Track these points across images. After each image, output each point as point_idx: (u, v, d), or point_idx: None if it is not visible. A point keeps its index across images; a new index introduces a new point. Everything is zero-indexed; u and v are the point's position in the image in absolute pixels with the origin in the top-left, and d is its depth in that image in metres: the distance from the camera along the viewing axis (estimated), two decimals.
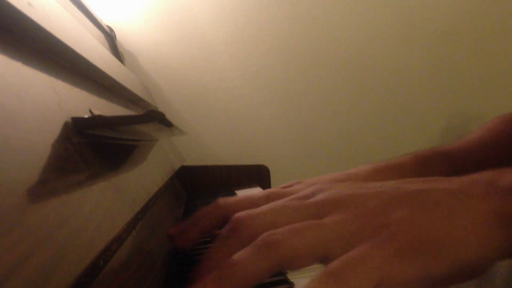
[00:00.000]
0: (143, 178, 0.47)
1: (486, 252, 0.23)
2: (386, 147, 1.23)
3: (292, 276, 0.36)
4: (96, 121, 0.32)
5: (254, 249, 0.23)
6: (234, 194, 0.85)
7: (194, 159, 1.17)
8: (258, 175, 0.96)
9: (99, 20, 0.86)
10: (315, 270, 0.21)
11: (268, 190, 0.38)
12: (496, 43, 1.24)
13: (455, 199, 0.24)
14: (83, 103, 0.35)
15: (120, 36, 1.12)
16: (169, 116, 0.32)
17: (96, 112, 0.35)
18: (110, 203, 0.31)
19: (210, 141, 1.21)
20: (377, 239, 0.22)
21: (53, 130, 0.26)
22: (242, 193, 0.83)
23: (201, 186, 0.96)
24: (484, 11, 1.22)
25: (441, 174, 0.40)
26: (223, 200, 0.37)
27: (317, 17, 1.20)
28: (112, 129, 0.33)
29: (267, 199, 0.36)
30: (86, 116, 0.31)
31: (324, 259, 0.23)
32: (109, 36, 0.96)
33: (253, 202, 0.36)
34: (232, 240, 0.26)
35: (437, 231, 0.23)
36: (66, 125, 0.29)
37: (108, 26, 0.99)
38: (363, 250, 0.22)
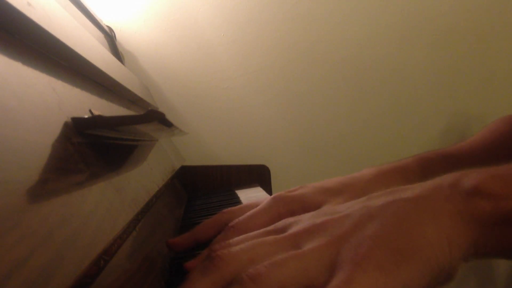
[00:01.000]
0: (143, 178, 0.47)
1: (456, 252, 0.24)
2: (386, 146, 1.23)
3: None
4: (96, 121, 0.32)
5: (239, 284, 0.23)
6: (234, 194, 0.85)
7: (194, 159, 1.17)
8: (258, 175, 0.96)
9: (99, 20, 0.86)
10: None
11: (272, 197, 0.40)
12: (496, 43, 1.24)
13: (420, 205, 0.25)
14: (83, 103, 0.35)
15: (120, 36, 1.12)
16: (169, 116, 0.32)
17: (96, 112, 0.35)
18: (110, 203, 0.31)
19: (210, 141, 1.21)
20: (356, 260, 0.23)
21: (53, 130, 0.26)
22: (243, 194, 0.83)
23: (201, 186, 0.96)
24: (484, 11, 1.22)
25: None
26: (227, 210, 0.38)
27: (317, 17, 1.20)
28: (112, 129, 0.33)
29: (275, 205, 0.38)
30: (86, 116, 0.31)
31: (310, 287, 0.24)
32: (109, 36, 0.96)
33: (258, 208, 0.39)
34: (213, 276, 0.25)
35: (409, 240, 0.23)
36: (66, 125, 0.28)
37: (108, 26, 0.99)
38: (346, 275, 0.22)
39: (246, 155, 1.21)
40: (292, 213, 0.36)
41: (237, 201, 0.74)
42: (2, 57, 0.24)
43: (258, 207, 0.38)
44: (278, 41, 1.20)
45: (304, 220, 0.29)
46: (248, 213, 0.38)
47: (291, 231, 0.28)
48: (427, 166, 0.42)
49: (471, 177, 0.26)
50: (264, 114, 1.22)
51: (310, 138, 1.23)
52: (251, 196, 0.76)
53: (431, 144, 1.23)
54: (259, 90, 1.21)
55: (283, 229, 0.29)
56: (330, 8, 1.20)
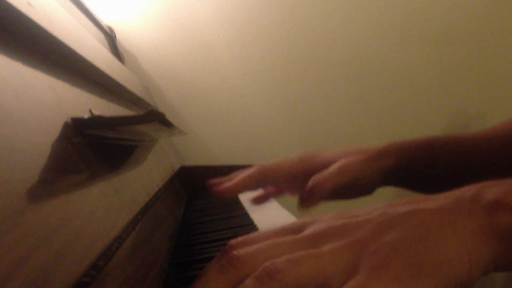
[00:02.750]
0: (143, 179, 0.47)
1: (476, 267, 0.24)
2: None
3: None
4: (96, 121, 0.32)
5: (254, 280, 0.24)
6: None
7: (194, 159, 1.17)
8: None
9: (99, 20, 0.86)
10: None
11: (299, 154, 0.46)
12: (496, 43, 1.24)
13: (443, 218, 0.25)
14: (83, 103, 0.35)
15: (120, 36, 1.12)
16: (169, 116, 0.32)
17: (96, 112, 0.35)
18: (110, 203, 0.31)
19: (210, 141, 1.21)
20: (373, 266, 0.23)
21: (53, 131, 0.26)
22: (242, 194, 0.83)
23: (201, 186, 0.96)
24: (484, 11, 1.22)
25: (448, 159, 0.42)
26: (260, 164, 0.43)
27: (318, 17, 1.20)
28: (112, 129, 0.33)
29: (301, 160, 0.45)
30: (86, 116, 0.31)
31: (324, 287, 0.24)
32: (109, 36, 0.96)
33: (288, 162, 0.45)
34: (229, 275, 0.26)
35: (430, 252, 0.23)
36: (66, 125, 0.28)
37: (108, 26, 0.99)
38: (362, 280, 0.22)
39: (246, 155, 1.21)
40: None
41: (237, 201, 0.74)
42: (2, 57, 0.24)
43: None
44: (278, 41, 1.20)
45: (323, 221, 0.29)
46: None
47: (309, 231, 0.28)
48: (439, 146, 0.44)
49: (492, 190, 0.26)
50: (264, 114, 1.22)
51: (310, 138, 1.23)
52: (251, 196, 0.76)
53: None
54: (259, 90, 1.21)
55: (300, 229, 0.29)
56: (330, 8, 1.20)
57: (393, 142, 0.45)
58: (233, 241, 0.29)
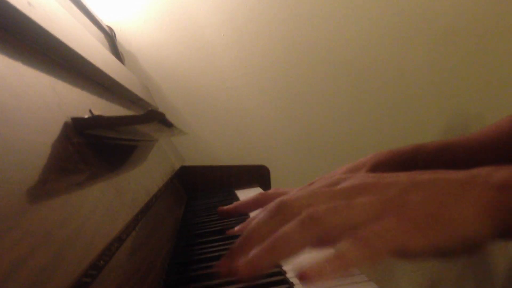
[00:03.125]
0: (143, 179, 0.47)
1: (480, 231, 0.29)
2: (386, 146, 1.23)
3: (291, 276, 0.36)
4: (96, 121, 0.32)
5: (299, 222, 0.29)
6: (234, 194, 0.85)
7: (194, 159, 1.17)
8: (258, 175, 0.96)
9: (99, 20, 0.86)
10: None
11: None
12: (496, 43, 1.24)
13: (460, 188, 0.30)
14: (83, 103, 0.35)
15: (120, 36, 1.12)
16: (169, 116, 0.32)
17: (96, 112, 0.35)
18: (110, 203, 0.31)
19: (210, 141, 1.21)
20: (398, 215, 0.28)
21: (53, 130, 0.26)
22: (242, 194, 0.83)
23: (201, 186, 0.96)
24: (484, 11, 1.22)
25: (440, 165, 0.44)
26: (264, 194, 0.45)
27: (318, 17, 1.20)
28: (112, 129, 0.33)
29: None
30: (86, 116, 0.31)
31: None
32: (109, 36, 0.96)
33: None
34: (277, 217, 0.30)
35: (446, 211, 0.29)
36: (66, 125, 0.28)
37: (108, 26, 0.99)
38: (387, 223, 0.28)
39: (246, 155, 1.21)
40: None
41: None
42: (2, 57, 0.24)
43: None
44: (278, 41, 1.20)
45: (357, 178, 0.33)
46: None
47: (345, 185, 0.33)
48: (424, 155, 0.48)
49: (501, 173, 0.31)
50: (264, 114, 1.22)
51: (310, 138, 1.23)
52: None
53: None
54: (259, 90, 1.21)
55: (337, 182, 0.34)
56: (330, 8, 1.20)
57: (379, 155, 0.48)
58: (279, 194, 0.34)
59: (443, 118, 1.25)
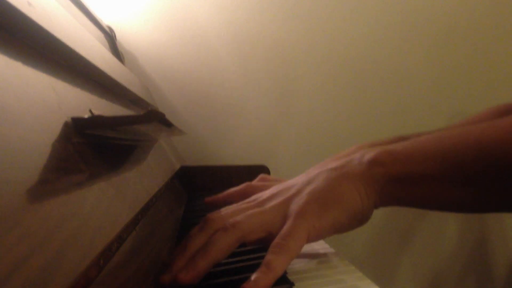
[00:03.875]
0: (143, 178, 0.47)
1: (365, 202, 0.37)
2: None
3: (292, 277, 0.36)
4: (96, 121, 0.32)
5: (224, 230, 0.36)
6: None
7: (194, 159, 1.17)
8: (258, 175, 0.96)
9: (99, 20, 0.86)
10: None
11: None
12: (496, 43, 1.24)
13: (340, 172, 0.38)
14: (83, 103, 0.35)
15: (120, 36, 1.12)
16: (169, 116, 0.32)
17: (96, 112, 0.35)
18: (110, 203, 0.31)
19: (210, 141, 1.21)
20: (297, 211, 0.36)
21: (53, 130, 0.26)
22: None
23: (201, 186, 0.96)
24: (484, 11, 1.22)
25: None
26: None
27: (318, 17, 1.20)
28: (112, 129, 0.33)
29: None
30: (86, 116, 0.31)
31: (270, 232, 0.36)
32: (109, 36, 0.96)
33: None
34: (206, 230, 0.37)
35: (333, 194, 0.37)
36: (66, 125, 0.28)
37: (108, 26, 0.99)
38: (292, 223, 0.35)
39: (246, 155, 1.21)
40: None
41: None
42: (2, 57, 0.24)
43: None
44: (278, 41, 1.20)
45: (267, 191, 0.42)
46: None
47: (258, 198, 0.41)
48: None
49: (370, 153, 0.39)
50: (264, 114, 1.22)
51: (309, 138, 1.23)
52: None
53: None
54: (259, 90, 1.21)
55: (254, 199, 0.42)
56: (330, 8, 1.20)
57: (358, 147, 0.52)
58: (209, 214, 0.40)
59: (443, 118, 1.25)
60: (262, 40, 1.19)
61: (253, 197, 0.43)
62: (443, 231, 1.29)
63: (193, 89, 1.19)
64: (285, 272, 0.36)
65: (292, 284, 0.34)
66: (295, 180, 0.41)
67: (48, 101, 0.28)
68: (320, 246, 0.45)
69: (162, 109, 1.12)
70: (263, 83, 1.21)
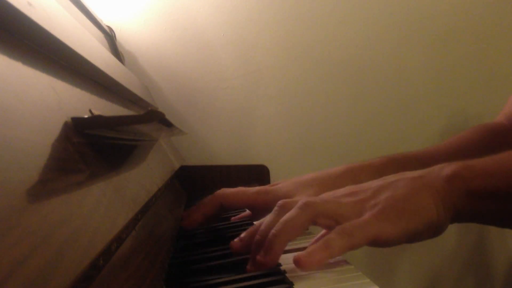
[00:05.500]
0: (143, 178, 0.47)
1: (441, 214, 0.37)
2: (385, 146, 1.23)
3: (291, 275, 0.36)
4: (96, 121, 0.32)
5: (297, 207, 0.37)
6: None
7: (194, 159, 1.17)
8: (258, 175, 0.96)
9: (99, 20, 0.86)
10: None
11: (257, 188, 0.54)
12: (496, 43, 1.24)
13: (418, 183, 0.38)
14: (83, 103, 0.35)
15: (120, 36, 1.12)
16: (169, 116, 0.32)
17: (96, 112, 0.35)
18: (110, 203, 0.31)
19: (210, 141, 1.21)
20: (373, 211, 0.36)
21: (53, 130, 0.26)
22: None
23: (201, 186, 0.96)
24: (484, 11, 1.22)
25: None
26: (221, 191, 0.54)
27: (318, 17, 1.20)
28: (112, 129, 0.33)
29: (257, 194, 0.53)
30: (86, 116, 0.31)
31: (338, 223, 0.36)
32: (109, 36, 0.96)
33: (245, 194, 0.54)
34: (281, 213, 0.39)
35: (409, 203, 0.37)
36: (66, 125, 0.29)
37: (108, 26, 0.99)
38: (365, 218, 0.36)
39: (246, 155, 1.21)
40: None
41: None
42: (2, 57, 0.24)
43: (242, 191, 0.54)
44: (278, 41, 1.20)
45: (340, 190, 0.42)
46: (233, 192, 0.55)
47: (337, 194, 0.42)
48: (391, 165, 0.54)
49: (450, 167, 0.39)
50: (264, 114, 1.22)
51: (309, 138, 1.23)
52: None
53: (430, 144, 1.23)
54: (259, 90, 1.21)
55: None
56: (330, 8, 1.20)
57: (349, 167, 0.54)
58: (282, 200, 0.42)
59: (443, 118, 1.25)
60: (262, 40, 1.19)
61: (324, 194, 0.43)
62: None
63: (193, 89, 1.19)
64: (285, 272, 0.36)
65: (291, 284, 0.34)
66: (368, 184, 0.41)
67: (48, 101, 0.28)
68: None
69: (162, 109, 1.12)
70: (263, 83, 1.21)
